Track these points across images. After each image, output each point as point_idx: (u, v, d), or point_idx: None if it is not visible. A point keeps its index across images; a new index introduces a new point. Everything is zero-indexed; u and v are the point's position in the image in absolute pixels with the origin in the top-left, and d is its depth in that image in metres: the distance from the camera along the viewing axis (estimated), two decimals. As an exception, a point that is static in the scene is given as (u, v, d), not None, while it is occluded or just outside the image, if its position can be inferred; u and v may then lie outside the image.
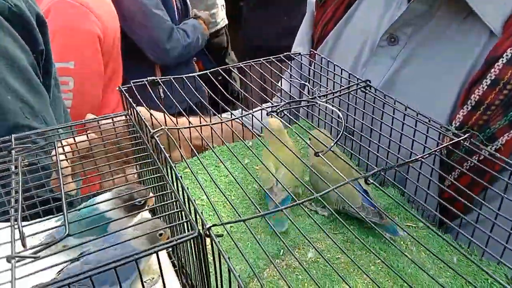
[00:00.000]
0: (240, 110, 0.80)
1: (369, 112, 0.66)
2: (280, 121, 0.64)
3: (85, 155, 0.69)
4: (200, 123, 0.74)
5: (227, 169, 0.56)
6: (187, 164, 0.52)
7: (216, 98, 0.72)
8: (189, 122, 0.74)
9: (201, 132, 0.78)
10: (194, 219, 0.44)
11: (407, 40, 0.73)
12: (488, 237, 0.54)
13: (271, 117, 0.61)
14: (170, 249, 0.63)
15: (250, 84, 0.71)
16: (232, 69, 0.77)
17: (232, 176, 0.58)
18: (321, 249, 0.63)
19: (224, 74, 0.75)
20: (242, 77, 0.75)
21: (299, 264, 0.62)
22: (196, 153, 0.62)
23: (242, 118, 0.82)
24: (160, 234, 0.52)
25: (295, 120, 0.67)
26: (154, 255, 0.48)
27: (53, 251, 0.42)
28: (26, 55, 0.92)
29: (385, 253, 0.62)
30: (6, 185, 0.53)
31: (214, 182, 0.52)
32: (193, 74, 0.75)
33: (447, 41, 0.69)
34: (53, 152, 0.65)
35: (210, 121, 0.78)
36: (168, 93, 0.71)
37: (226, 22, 2.76)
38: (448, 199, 0.54)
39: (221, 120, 0.72)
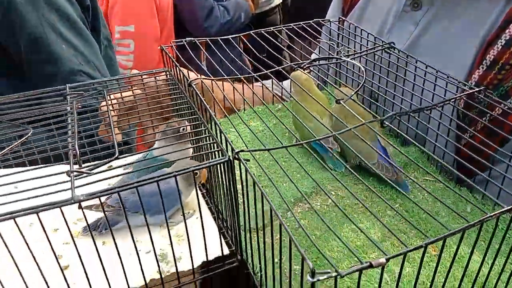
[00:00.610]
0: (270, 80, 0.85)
1: (392, 72, 0.70)
2: (307, 75, 0.69)
3: (131, 107, 0.77)
4: (234, 88, 0.81)
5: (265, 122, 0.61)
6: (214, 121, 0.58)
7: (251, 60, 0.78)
8: (222, 82, 0.80)
9: (234, 94, 0.84)
10: (225, 149, 0.50)
11: (430, 4, 0.76)
12: (499, 189, 0.57)
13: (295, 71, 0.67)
14: (205, 190, 0.70)
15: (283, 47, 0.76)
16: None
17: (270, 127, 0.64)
18: (341, 196, 0.68)
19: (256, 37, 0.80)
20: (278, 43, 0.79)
21: (320, 208, 0.67)
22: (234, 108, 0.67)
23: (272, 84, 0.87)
24: (196, 173, 0.58)
25: (324, 78, 0.72)
26: (193, 193, 0.54)
27: (105, 169, 0.49)
28: (74, 8, 1.01)
29: (402, 201, 0.66)
30: (64, 124, 0.61)
31: (252, 132, 0.58)
32: (229, 36, 0.80)
33: (467, 4, 0.72)
34: (103, 104, 0.72)
35: (242, 86, 0.84)
36: (208, 57, 0.76)
37: (281, 0, 2.78)
38: (464, 156, 0.58)
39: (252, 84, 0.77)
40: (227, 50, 0.78)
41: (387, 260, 0.36)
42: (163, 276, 0.56)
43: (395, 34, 0.80)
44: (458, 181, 0.71)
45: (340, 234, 0.62)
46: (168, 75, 0.75)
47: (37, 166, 0.59)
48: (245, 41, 0.80)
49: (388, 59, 0.71)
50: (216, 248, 0.57)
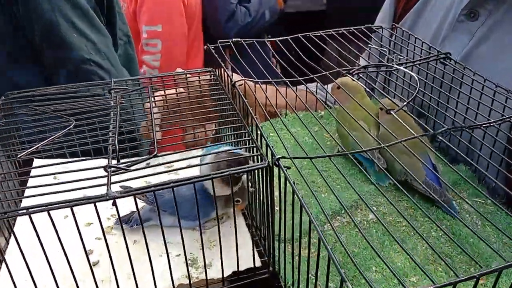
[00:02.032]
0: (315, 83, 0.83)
1: (447, 83, 0.66)
2: (356, 82, 0.66)
3: (173, 106, 0.76)
4: (277, 91, 0.78)
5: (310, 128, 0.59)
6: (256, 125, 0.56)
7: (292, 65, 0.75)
8: (266, 87, 0.78)
9: (276, 98, 0.82)
10: (265, 154, 0.48)
11: (487, 15, 0.72)
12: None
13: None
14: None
15: (330, 51, 0.74)
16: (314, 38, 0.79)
17: (315, 134, 0.61)
18: (383, 212, 0.65)
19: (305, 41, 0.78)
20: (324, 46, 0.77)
21: (359, 223, 0.64)
22: (277, 112, 0.65)
23: (316, 88, 0.84)
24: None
25: (373, 85, 0.68)
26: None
27: (143, 166, 0.48)
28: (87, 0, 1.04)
29: (449, 222, 0.62)
30: (106, 118, 0.60)
31: (294, 138, 0.55)
32: (275, 39, 0.78)
33: None
34: (147, 102, 0.72)
35: (286, 90, 0.82)
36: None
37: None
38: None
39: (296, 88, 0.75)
40: (259, 52, 0.76)
41: (435, 289, 0.33)
42: (191, 281, 0.54)
43: (449, 44, 0.76)
44: (510, 206, 0.66)
45: (381, 254, 0.58)
46: (212, 75, 0.74)
47: (76, 159, 0.59)
48: (278, 43, 0.78)
49: (443, 69, 0.67)
50: (248, 258, 0.56)
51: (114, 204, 0.43)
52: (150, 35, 1.65)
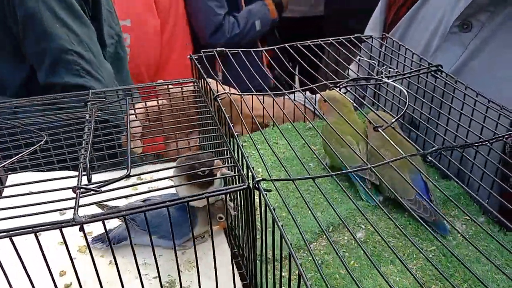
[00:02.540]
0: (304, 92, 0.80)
1: (438, 98, 0.63)
2: (343, 96, 0.63)
3: (155, 118, 0.73)
4: (263, 100, 0.76)
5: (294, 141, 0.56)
6: (249, 134, 0.54)
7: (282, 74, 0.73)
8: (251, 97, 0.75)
9: (263, 109, 0.79)
10: (246, 175, 0.46)
11: (481, 27, 0.69)
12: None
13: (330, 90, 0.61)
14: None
15: (321, 63, 0.71)
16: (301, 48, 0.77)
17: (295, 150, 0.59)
18: (372, 231, 0.62)
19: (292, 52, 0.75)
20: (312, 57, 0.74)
21: (347, 242, 0.61)
22: (259, 126, 0.63)
23: (304, 99, 0.82)
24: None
25: (362, 100, 0.66)
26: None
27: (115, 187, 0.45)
28: None
29: (439, 242, 0.60)
30: (80, 131, 0.58)
31: (273, 151, 0.53)
32: (260, 49, 0.76)
33: None
34: (130, 112, 0.69)
35: (273, 100, 0.79)
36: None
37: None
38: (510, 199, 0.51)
39: (284, 97, 0.73)
40: (247, 62, 0.73)
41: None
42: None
43: (441, 55, 0.74)
44: (502, 225, 0.63)
45: (369, 276, 0.56)
46: (195, 86, 0.71)
47: (44, 178, 0.56)
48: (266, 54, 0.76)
49: (434, 83, 0.65)
50: (228, 281, 0.53)
51: (82, 229, 0.40)
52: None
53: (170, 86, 0.71)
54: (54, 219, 0.40)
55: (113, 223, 0.64)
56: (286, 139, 0.55)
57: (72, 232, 0.42)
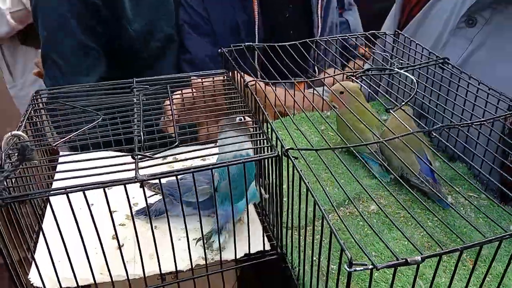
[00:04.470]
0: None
1: (445, 86, 0.71)
2: (359, 85, 0.71)
3: (189, 105, 0.82)
4: (285, 92, 0.84)
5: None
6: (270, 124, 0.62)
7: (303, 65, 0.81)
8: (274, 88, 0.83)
9: (285, 98, 0.88)
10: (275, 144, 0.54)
11: (485, 22, 0.77)
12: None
13: (351, 80, 0.69)
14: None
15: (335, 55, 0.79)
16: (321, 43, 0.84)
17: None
18: (383, 204, 0.70)
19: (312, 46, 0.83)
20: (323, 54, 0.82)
21: (361, 213, 0.69)
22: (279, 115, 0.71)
23: (323, 90, 0.90)
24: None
25: (375, 92, 0.73)
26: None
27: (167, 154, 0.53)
28: None
29: (444, 214, 0.67)
30: (129, 114, 0.66)
31: (302, 133, 0.61)
32: (284, 43, 0.84)
33: None
34: (166, 101, 0.77)
35: (294, 90, 0.87)
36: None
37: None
38: (509, 174, 0.58)
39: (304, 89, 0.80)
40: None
41: (423, 259, 0.38)
42: (207, 262, 0.59)
43: (449, 49, 0.81)
44: (502, 200, 0.70)
45: (379, 240, 0.63)
46: (225, 77, 0.79)
47: (104, 149, 0.65)
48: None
49: (441, 74, 0.72)
50: (258, 242, 0.61)
51: (142, 186, 0.49)
52: None
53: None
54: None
55: (153, 200, 0.72)
56: (311, 122, 0.62)
57: (122, 202, 0.50)
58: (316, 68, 0.85)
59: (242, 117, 0.61)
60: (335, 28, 1.33)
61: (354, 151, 0.57)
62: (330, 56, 0.97)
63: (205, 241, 0.62)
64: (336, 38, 0.83)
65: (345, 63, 0.75)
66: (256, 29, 1.16)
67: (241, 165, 0.51)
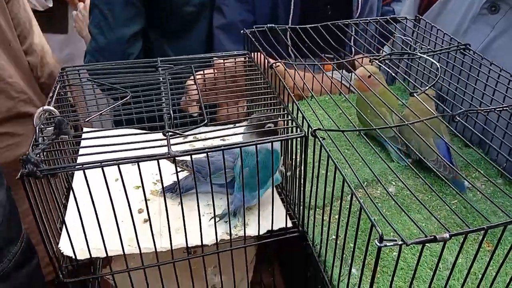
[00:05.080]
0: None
1: (466, 71, 0.72)
2: (379, 69, 0.72)
3: (211, 86, 0.83)
4: (304, 75, 0.85)
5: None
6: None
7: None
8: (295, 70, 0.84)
9: (303, 82, 0.88)
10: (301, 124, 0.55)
11: (508, 9, 0.77)
12: None
13: (371, 64, 0.70)
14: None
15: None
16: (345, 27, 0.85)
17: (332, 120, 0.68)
18: (401, 187, 0.71)
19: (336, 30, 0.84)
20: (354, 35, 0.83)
21: (379, 195, 0.71)
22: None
23: (342, 73, 0.91)
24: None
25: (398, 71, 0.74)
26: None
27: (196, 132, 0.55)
28: None
29: (461, 198, 0.68)
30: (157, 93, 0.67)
31: (328, 115, 0.62)
32: (308, 26, 0.84)
33: None
34: (189, 81, 0.78)
35: (313, 75, 0.88)
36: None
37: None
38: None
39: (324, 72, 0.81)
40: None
41: (450, 236, 0.39)
42: (231, 238, 0.61)
43: (470, 35, 0.82)
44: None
45: (398, 221, 0.65)
46: (247, 58, 0.80)
47: (135, 126, 0.66)
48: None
49: (462, 59, 0.73)
50: (281, 220, 0.63)
51: (174, 161, 0.50)
52: None
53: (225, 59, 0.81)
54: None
55: (180, 176, 0.74)
56: (336, 102, 0.64)
57: (146, 177, 0.51)
58: (352, 49, 0.85)
59: (271, 124, 0.60)
60: (376, 13, 1.32)
61: (378, 133, 0.58)
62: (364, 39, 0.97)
63: (227, 219, 0.64)
64: (357, 21, 0.84)
65: (380, 47, 0.76)
66: (292, 5, 1.16)
67: (264, 156, 0.53)
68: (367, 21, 0.83)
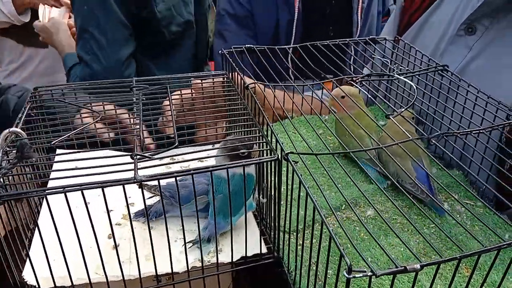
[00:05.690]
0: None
1: (444, 93, 0.71)
2: (357, 91, 0.71)
3: (188, 106, 0.82)
4: (284, 95, 0.84)
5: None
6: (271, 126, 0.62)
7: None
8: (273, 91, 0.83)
9: (284, 100, 0.88)
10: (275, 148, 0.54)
11: (485, 31, 0.77)
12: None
13: (351, 85, 0.69)
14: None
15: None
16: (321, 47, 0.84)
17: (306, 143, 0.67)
18: (380, 210, 0.70)
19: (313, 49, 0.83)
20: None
21: (358, 219, 0.69)
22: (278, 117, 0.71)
23: (321, 95, 0.90)
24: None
25: (373, 97, 0.74)
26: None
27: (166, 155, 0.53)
28: None
29: (440, 221, 0.67)
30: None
31: (302, 137, 0.60)
32: (284, 46, 0.84)
33: None
34: (165, 102, 0.77)
35: (293, 95, 0.87)
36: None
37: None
38: (506, 183, 0.58)
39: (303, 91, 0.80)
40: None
41: (422, 267, 0.38)
42: (203, 265, 0.59)
43: (448, 56, 0.82)
44: (498, 208, 0.71)
45: (376, 246, 0.63)
46: (225, 78, 0.79)
47: (102, 149, 0.64)
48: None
49: (440, 81, 0.73)
50: (255, 245, 0.61)
51: (141, 186, 0.49)
52: None
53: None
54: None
55: (153, 201, 0.72)
56: (310, 124, 0.62)
57: (118, 201, 0.50)
58: (352, 68, 0.85)
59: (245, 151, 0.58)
60: (374, 32, 1.34)
61: (353, 156, 0.57)
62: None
63: (198, 245, 0.62)
64: (336, 42, 0.83)
65: (358, 69, 0.75)
66: (294, 27, 1.17)
67: (238, 181, 0.51)
68: (346, 41, 0.83)
